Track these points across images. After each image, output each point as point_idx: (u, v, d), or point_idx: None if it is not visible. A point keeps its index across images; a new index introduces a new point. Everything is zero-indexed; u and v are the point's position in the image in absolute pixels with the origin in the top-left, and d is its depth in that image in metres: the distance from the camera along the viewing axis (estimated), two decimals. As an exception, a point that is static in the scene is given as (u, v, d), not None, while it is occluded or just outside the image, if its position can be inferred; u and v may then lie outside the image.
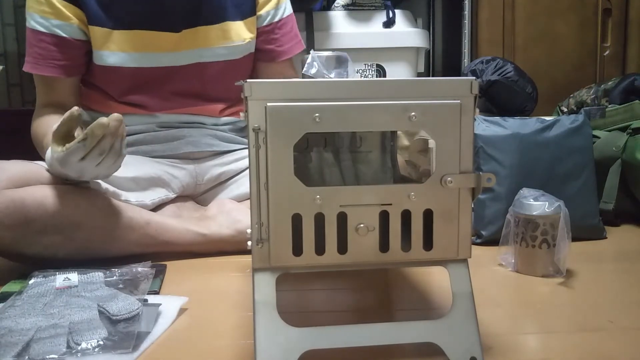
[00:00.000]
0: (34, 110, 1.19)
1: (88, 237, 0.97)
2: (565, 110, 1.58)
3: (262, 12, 1.26)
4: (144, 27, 1.15)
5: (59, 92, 1.17)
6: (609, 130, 1.38)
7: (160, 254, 1.04)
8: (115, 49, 1.14)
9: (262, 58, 1.31)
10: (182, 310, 0.78)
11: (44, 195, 0.94)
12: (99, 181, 1.04)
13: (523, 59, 1.86)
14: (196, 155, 1.23)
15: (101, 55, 1.14)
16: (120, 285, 0.82)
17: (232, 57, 1.23)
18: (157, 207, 1.15)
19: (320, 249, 0.61)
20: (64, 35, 1.12)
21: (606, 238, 1.19)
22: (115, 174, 1.09)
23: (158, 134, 1.21)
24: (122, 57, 1.15)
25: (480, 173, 0.61)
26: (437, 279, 0.91)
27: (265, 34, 1.28)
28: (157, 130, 1.21)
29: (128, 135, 1.20)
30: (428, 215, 0.62)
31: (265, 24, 1.28)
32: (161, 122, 1.22)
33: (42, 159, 1.04)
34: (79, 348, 0.64)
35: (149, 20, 1.15)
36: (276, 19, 1.28)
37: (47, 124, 1.09)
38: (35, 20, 1.12)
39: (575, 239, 1.16)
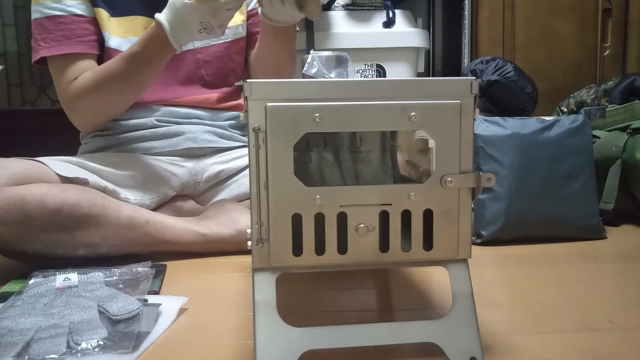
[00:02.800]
0: (33, 111, 1.19)
1: (88, 235, 0.97)
2: (565, 110, 1.58)
3: None
4: (138, 14, 1.19)
5: (79, 70, 1.15)
6: (609, 130, 1.38)
7: (160, 254, 1.04)
8: (114, 34, 1.17)
9: (251, 45, 1.32)
10: (182, 310, 0.78)
11: (44, 192, 0.94)
12: (99, 179, 1.05)
13: (523, 59, 1.86)
14: (195, 152, 1.24)
15: (104, 36, 1.17)
16: (120, 285, 0.82)
17: (224, 39, 1.26)
18: (156, 207, 1.15)
19: (320, 249, 0.61)
20: (81, 12, 1.14)
21: (606, 238, 1.19)
22: (115, 171, 1.10)
23: (157, 130, 1.21)
24: (119, 41, 1.17)
25: (480, 173, 0.61)
26: (437, 279, 0.91)
27: (252, 17, 1.31)
28: (156, 125, 1.22)
29: (128, 131, 1.21)
30: (428, 215, 0.62)
31: (251, 7, 1.31)
32: (160, 115, 1.22)
33: (44, 154, 1.04)
34: (79, 348, 0.64)
35: (143, 7, 1.18)
36: None
37: (102, 65, 1.11)
38: (48, 8, 1.13)
39: (575, 239, 1.17)
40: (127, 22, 1.18)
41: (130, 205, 1.05)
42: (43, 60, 1.16)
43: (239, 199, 1.22)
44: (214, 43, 1.26)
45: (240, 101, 1.31)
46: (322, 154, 0.84)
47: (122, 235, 1.00)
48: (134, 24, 1.18)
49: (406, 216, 0.62)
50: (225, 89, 1.29)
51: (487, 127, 1.18)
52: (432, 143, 0.62)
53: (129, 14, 1.18)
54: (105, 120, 1.20)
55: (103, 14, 1.16)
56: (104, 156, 1.16)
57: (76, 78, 1.13)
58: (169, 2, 1.03)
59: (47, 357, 0.62)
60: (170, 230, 1.05)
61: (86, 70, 1.14)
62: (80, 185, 1.00)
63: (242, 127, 1.32)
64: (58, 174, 1.01)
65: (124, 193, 1.08)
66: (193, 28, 1.01)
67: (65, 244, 0.96)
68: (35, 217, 0.93)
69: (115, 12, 1.17)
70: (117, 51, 1.16)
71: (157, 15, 1.04)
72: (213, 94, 1.27)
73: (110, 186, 1.06)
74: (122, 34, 1.17)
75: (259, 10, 1.12)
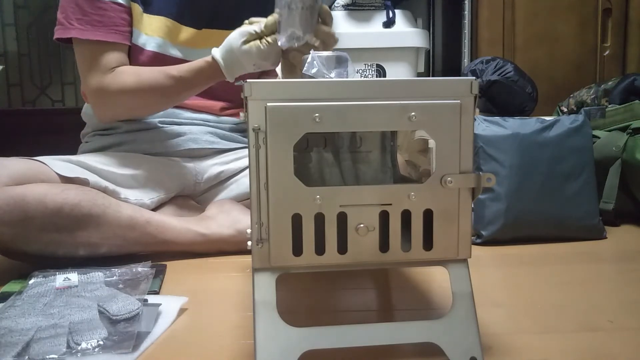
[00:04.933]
0: (33, 111, 1.18)
1: (88, 235, 0.97)
2: (565, 110, 1.58)
3: None
4: (169, 16, 1.19)
5: (113, 61, 1.13)
6: (609, 130, 1.38)
7: (160, 254, 1.04)
8: (143, 30, 1.17)
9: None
10: (182, 310, 0.78)
11: (45, 192, 0.94)
12: (99, 179, 1.05)
13: (523, 59, 1.86)
14: (196, 152, 1.24)
15: (134, 32, 1.16)
16: (120, 285, 0.83)
17: None
18: (156, 207, 1.15)
19: (320, 249, 0.61)
20: (121, 1, 1.13)
21: (606, 238, 1.19)
22: (115, 171, 1.10)
23: (159, 131, 1.22)
24: (147, 39, 1.17)
25: (480, 173, 0.61)
26: (437, 279, 0.91)
27: None
28: (158, 126, 1.22)
29: (130, 131, 1.21)
30: (428, 215, 0.62)
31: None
32: (163, 116, 1.22)
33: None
34: (79, 348, 0.64)
35: (175, 11, 1.19)
36: None
37: (145, 72, 1.12)
38: None
39: (575, 239, 1.17)
40: (155, 20, 1.18)
41: (130, 205, 1.05)
42: (67, 39, 1.13)
43: (239, 199, 1.22)
44: None
45: None
46: (322, 154, 0.84)
47: (123, 235, 1.00)
48: (160, 24, 1.18)
49: (406, 216, 0.62)
50: (232, 103, 1.30)
51: (487, 127, 1.18)
52: (432, 143, 0.62)
53: (158, 14, 1.18)
54: (127, 117, 1.21)
55: (137, 9, 1.16)
56: (104, 155, 1.16)
57: (113, 69, 1.12)
58: (225, 40, 1.05)
59: (47, 357, 0.62)
60: (170, 230, 1.05)
61: (119, 61, 1.13)
62: (80, 185, 1.00)
63: (244, 131, 1.32)
64: (58, 174, 1.01)
65: (124, 193, 1.08)
66: (247, 68, 1.05)
67: (66, 243, 0.96)
68: (36, 217, 0.92)
69: (147, 9, 1.17)
70: (141, 49, 1.16)
71: (213, 50, 1.06)
72: (218, 103, 1.27)
73: (111, 186, 1.06)
74: (149, 32, 1.17)
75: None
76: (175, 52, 1.19)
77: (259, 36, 1.02)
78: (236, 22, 1.22)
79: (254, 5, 1.24)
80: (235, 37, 1.04)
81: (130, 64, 1.17)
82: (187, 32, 1.20)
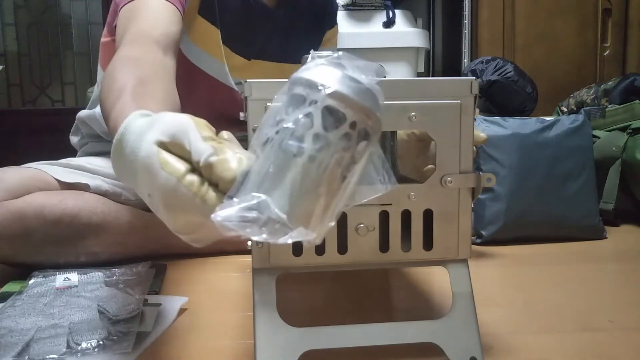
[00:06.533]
0: (33, 111, 1.16)
1: (89, 244, 0.96)
2: (565, 110, 1.58)
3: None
4: (219, 27, 1.10)
5: (164, 25, 0.87)
6: (609, 130, 1.38)
7: (160, 254, 1.04)
8: (187, 38, 1.06)
9: None
10: (182, 310, 0.78)
11: (43, 204, 0.92)
12: (100, 182, 1.03)
13: (523, 59, 1.86)
14: None
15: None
16: (120, 285, 0.83)
17: None
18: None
19: (320, 249, 0.61)
20: None
21: (606, 238, 1.19)
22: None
23: None
24: (189, 45, 1.07)
25: (480, 173, 0.61)
26: (437, 279, 0.91)
27: None
28: None
29: None
30: (428, 215, 0.62)
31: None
32: None
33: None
34: (79, 348, 0.64)
35: (226, 33, 1.11)
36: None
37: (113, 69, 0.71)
38: None
39: (575, 239, 1.17)
40: (206, 28, 1.06)
41: (129, 209, 1.03)
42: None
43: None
44: None
45: None
46: (322, 154, 0.84)
47: (123, 241, 0.99)
48: (211, 36, 1.08)
49: (406, 216, 0.62)
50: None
51: (487, 127, 1.18)
52: (432, 143, 0.62)
53: (213, 23, 1.07)
54: None
55: (188, 9, 0.99)
56: (106, 159, 1.14)
57: (139, 34, 0.84)
58: (151, 123, 0.52)
59: (47, 357, 0.62)
60: (170, 235, 1.04)
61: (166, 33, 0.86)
62: (79, 192, 0.99)
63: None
64: (57, 180, 0.99)
65: (125, 194, 1.07)
66: (136, 188, 0.56)
67: (67, 253, 0.95)
68: (36, 231, 0.91)
69: (204, 14, 1.05)
70: (184, 58, 1.06)
71: (132, 115, 0.54)
72: (238, 133, 1.25)
73: (111, 189, 1.04)
74: (196, 41, 1.06)
75: None
76: (228, 80, 1.10)
77: (194, 171, 0.49)
78: (286, 55, 1.19)
79: (305, 40, 1.21)
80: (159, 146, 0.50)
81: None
82: (237, 60, 1.14)
